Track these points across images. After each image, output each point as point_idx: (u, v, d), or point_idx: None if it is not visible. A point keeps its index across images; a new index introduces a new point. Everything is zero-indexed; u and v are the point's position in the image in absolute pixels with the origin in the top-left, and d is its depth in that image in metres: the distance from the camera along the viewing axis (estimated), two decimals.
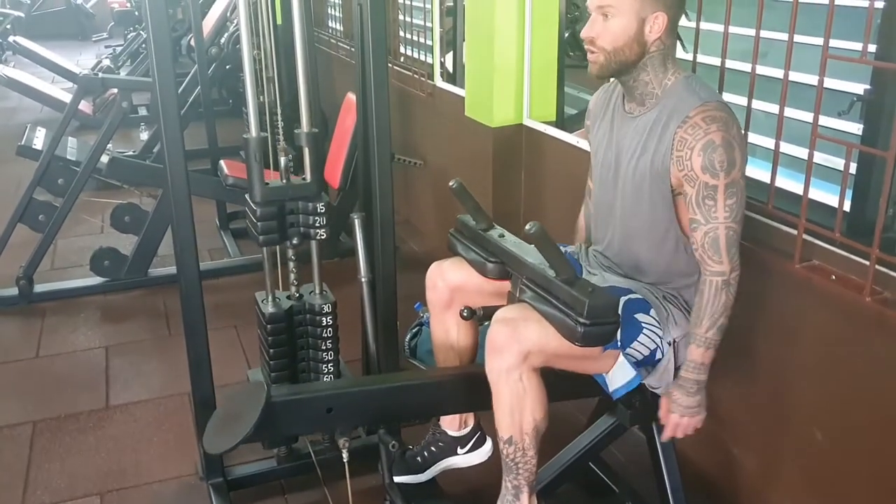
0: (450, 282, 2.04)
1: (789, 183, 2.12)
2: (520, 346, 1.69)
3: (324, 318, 2.16)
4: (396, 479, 2.09)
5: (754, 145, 2.19)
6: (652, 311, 1.81)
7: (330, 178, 3.63)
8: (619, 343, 1.75)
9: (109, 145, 3.96)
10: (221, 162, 3.90)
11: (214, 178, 4.00)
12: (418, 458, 2.13)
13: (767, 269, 2.01)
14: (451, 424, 2.12)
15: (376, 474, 2.21)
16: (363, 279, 2.14)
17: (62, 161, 3.94)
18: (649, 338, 1.80)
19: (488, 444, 2.13)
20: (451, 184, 1.88)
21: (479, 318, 1.87)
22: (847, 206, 1.88)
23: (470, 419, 2.12)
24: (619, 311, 1.72)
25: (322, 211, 2.07)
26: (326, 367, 2.21)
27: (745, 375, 2.16)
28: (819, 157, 1.97)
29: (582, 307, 1.57)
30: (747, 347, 2.12)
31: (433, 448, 2.13)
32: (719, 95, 1.81)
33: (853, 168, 1.90)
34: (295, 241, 2.09)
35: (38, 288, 3.68)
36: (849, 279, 1.81)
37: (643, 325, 1.79)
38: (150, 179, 3.90)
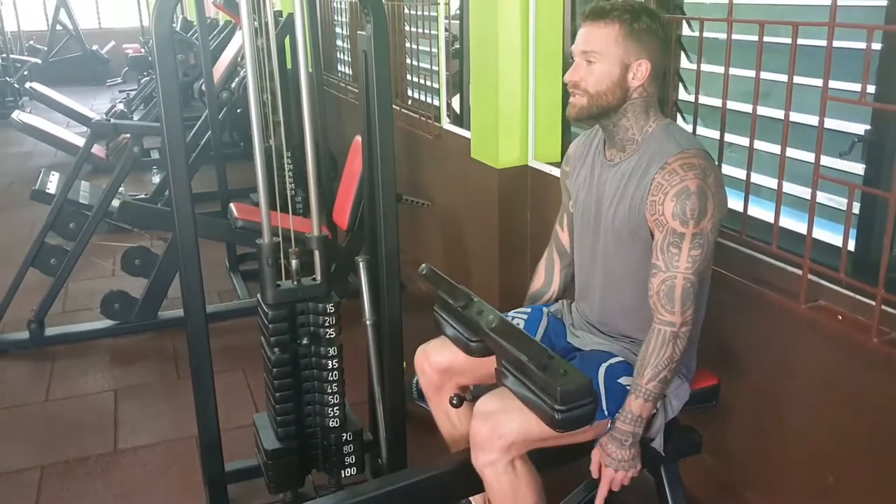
0: (437, 365, 2.03)
1: (794, 223, 2.12)
2: (501, 441, 1.68)
3: (329, 362, 2.16)
4: None
5: (758, 185, 2.19)
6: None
7: (339, 219, 3.65)
8: (605, 413, 1.73)
9: (121, 189, 4.01)
10: (231, 205, 3.94)
11: (224, 221, 4.02)
12: None
13: (774, 309, 2.00)
14: (478, 499, 2.11)
15: None
16: (368, 322, 2.14)
17: (74, 205, 3.99)
18: None
19: None
20: (420, 270, 1.84)
21: (470, 400, 1.86)
22: (852, 246, 1.88)
23: None
24: (602, 379, 1.73)
25: (332, 311, 2.11)
26: (332, 410, 2.21)
27: (755, 418, 2.14)
28: (823, 198, 1.97)
29: (555, 394, 1.54)
30: (755, 389, 2.11)
31: None
32: (699, 143, 1.79)
33: (857, 208, 1.90)
34: (304, 342, 2.13)
35: (49, 331, 3.71)
36: (855, 319, 1.80)
37: (628, 388, 1.75)
38: (160, 223, 3.93)
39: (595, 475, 1.81)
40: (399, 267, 2.23)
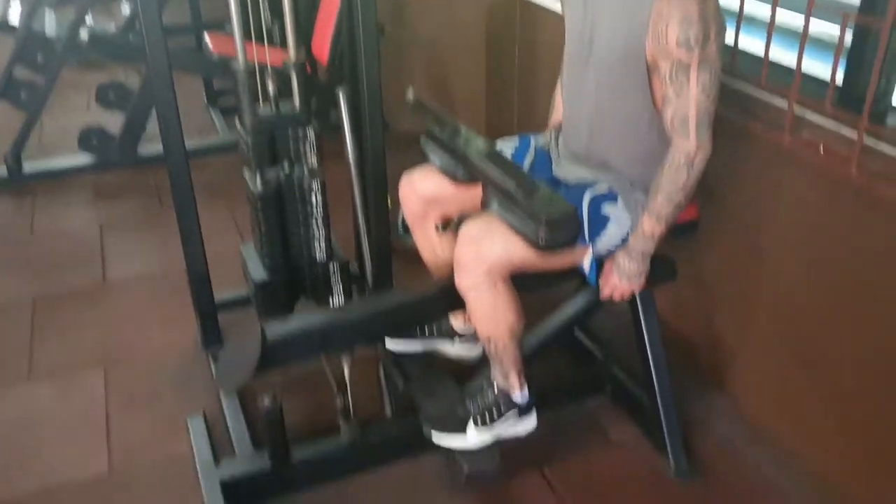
0: (422, 194, 2.04)
1: (785, 55, 2.09)
2: (485, 263, 1.73)
3: (313, 196, 2.17)
4: (389, 345, 2.16)
5: (751, 16, 2.15)
6: (619, 201, 1.82)
7: (318, 52, 3.55)
8: (586, 240, 1.78)
9: (90, 20, 3.85)
10: (206, 36, 3.81)
11: (199, 54, 3.91)
12: (416, 328, 2.20)
13: (757, 141, 2.02)
14: (458, 319, 2.20)
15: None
16: (350, 156, 2.13)
17: (40, 36, 3.83)
18: (617, 227, 1.81)
19: (480, 348, 2.19)
20: (407, 97, 1.82)
21: (454, 227, 1.88)
22: (840, 79, 1.87)
23: None
24: (586, 207, 1.75)
25: (312, 138, 2.09)
26: (318, 244, 2.24)
27: (729, 245, 2.20)
28: (815, 28, 1.93)
29: (540, 218, 1.58)
30: (732, 218, 2.16)
31: (434, 328, 2.20)
32: None
33: (848, 39, 1.87)
34: (286, 168, 2.12)
35: (27, 167, 3.68)
36: (837, 152, 1.82)
37: (610, 216, 1.80)
38: (132, 55, 3.80)
39: (602, 284, 1.90)
40: (381, 101, 2.20)
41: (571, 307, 2.21)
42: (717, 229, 2.18)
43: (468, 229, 1.78)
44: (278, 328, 1.82)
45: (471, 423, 1.90)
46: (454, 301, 1.87)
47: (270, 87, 2.04)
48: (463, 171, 1.85)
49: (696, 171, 1.72)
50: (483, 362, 2.02)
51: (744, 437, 2.17)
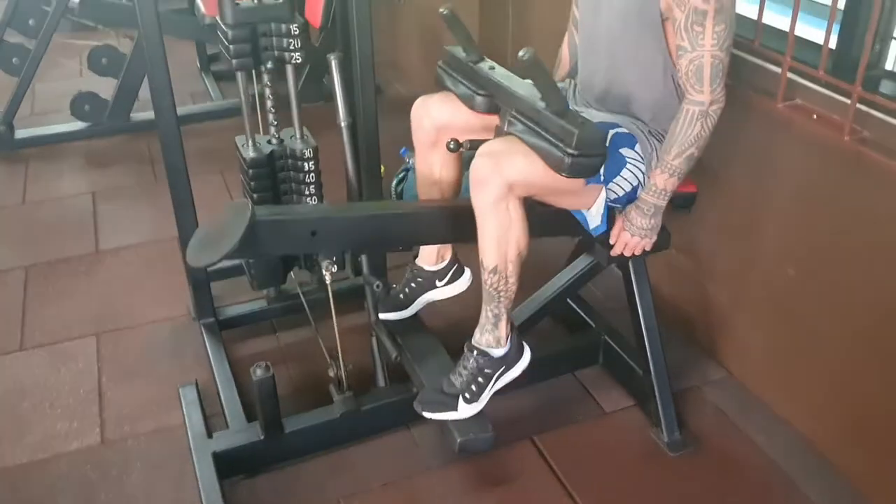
0: (436, 119, 2.00)
1: (779, 19, 2.06)
2: (503, 178, 1.68)
3: (305, 164, 2.15)
4: (381, 315, 2.16)
5: None
6: (637, 146, 1.81)
7: (310, 16, 3.50)
8: (601, 177, 1.76)
9: None
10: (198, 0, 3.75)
11: (191, 18, 3.86)
12: (401, 296, 2.19)
13: (749, 107, 1.99)
14: (428, 260, 2.16)
15: (363, 313, 2.28)
16: (342, 123, 2.10)
17: (31, 1, 3.78)
18: (632, 173, 1.81)
19: (467, 273, 2.17)
20: (441, 10, 1.81)
21: (465, 150, 1.86)
22: (833, 44, 1.84)
23: (447, 253, 2.15)
24: (607, 143, 1.72)
25: (296, 33, 1.99)
26: None
27: (722, 214, 2.19)
28: None
29: (571, 138, 1.58)
30: (725, 186, 2.14)
31: (413, 284, 2.18)
32: None
33: (842, 3, 1.84)
34: (269, 66, 2.03)
35: (20, 134, 3.65)
36: (830, 118, 1.80)
37: (627, 159, 1.80)
38: (124, 20, 3.74)
39: (613, 241, 1.90)
40: (374, 66, 2.17)
41: (568, 274, 2.19)
42: (710, 197, 2.16)
43: (489, 145, 1.75)
44: (268, 210, 1.78)
45: (460, 399, 1.89)
46: (449, 224, 1.87)
47: None
48: (482, 98, 1.84)
49: (710, 123, 1.71)
50: (475, 304, 1.98)
51: (737, 407, 2.17)
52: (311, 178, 2.18)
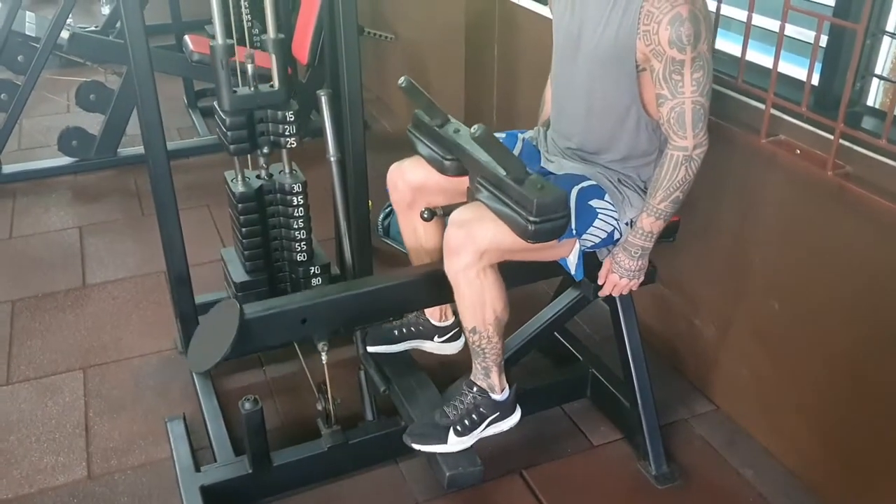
0: (410, 182, 2.04)
1: (761, 57, 2.10)
2: (475, 247, 1.73)
3: (294, 198, 2.17)
4: (370, 348, 2.16)
5: (728, 18, 2.16)
6: (607, 196, 1.83)
7: (298, 53, 3.54)
8: (573, 231, 1.78)
9: (70, 20, 3.82)
10: (186, 37, 3.79)
11: (180, 55, 3.89)
12: (395, 332, 2.20)
13: (734, 143, 2.03)
14: (434, 314, 2.19)
15: (351, 346, 2.28)
16: (332, 158, 2.12)
17: (20, 37, 3.80)
18: (605, 222, 1.83)
19: (461, 341, 2.19)
20: (399, 82, 1.83)
21: (441, 216, 1.89)
22: (816, 81, 1.88)
23: (450, 313, 2.18)
24: (573, 200, 1.76)
25: (291, 119, 2.06)
26: (299, 245, 2.24)
27: (708, 248, 2.22)
28: (791, 31, 1.95)
29: (531, 206, 1.59)
30: (711, 222, 2.17)
31: (412, 329, 2.20)
32: None
33: (824, 41, 1.89)
34: (266, 151, 2.10)
35: (6, 169, 3.65)
36: (813, 153, 1.84)
37: (598, 210, 1.81)
38: (113, 56, 3.77)
39: (601, 281, 1.93)
40: (362, 102, 2.20)
41: (555, 307, 2.21)
42: (695, 232, 2.19)
43: (459, 213, 1.78)
44: (256, 307, 1.80)
45: (451, 431, 1.90)
46: (436, 288, 1.88)
47: (249, 69, 2.01)
48: (450, 161, 1.85)
49: (693, 166, 1.74)
50: (464, 358, 2.01)
51: (724, 440, 2.18)
52: (299, 212, 2.20)
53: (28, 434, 2.20)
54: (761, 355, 2.11)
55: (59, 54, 3.88)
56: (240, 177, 2.16)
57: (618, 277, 1.89)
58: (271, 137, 2.09)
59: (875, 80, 1.88)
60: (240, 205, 2.15)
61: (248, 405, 1.85)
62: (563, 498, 1.99)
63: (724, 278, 2.19)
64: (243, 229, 2.19)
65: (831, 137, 1.76)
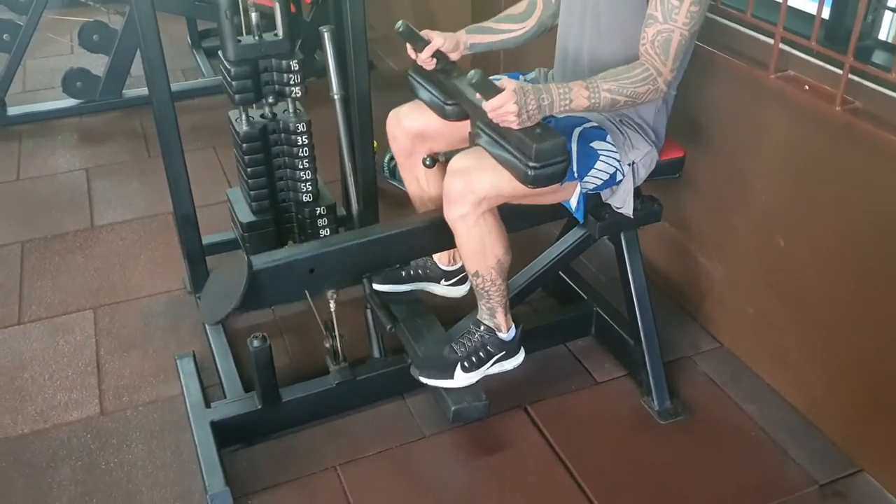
0: (409, 130, 2.02)
1: None
2: (474, 195, 1.72)
3: (299, 138, 2.16)
4: (376, 286, 2.18)
5: None
6: (608, 138, 1.81)
7: None
8: (575, 174, 1.77)
9: None
10: None
11: None
12: (402, 273, 2.21)
13: (742, 79, 2.00)
14: (442, 259, 2.21)
15: (358, 286, 2.29)
16: (335, 96, 2.11)
17: None
18: (607, 163, 1.80)
19: (468, 285, 2.20)
20: (396, 27, 1.81)
21: (441, 161, 1.87)
22: (826, 14, 1.85)
23: (458, 257, 2.18)
24: (575, 142, 1.74)
25: (296, 69, 2.06)
26: (305, 186, 2.24)
27: (713, 185, 2.21)
28: None
29: (530, 151, 1.57)
30: (717, 158, 2.16)
31: (420, 271, 2.21)
32: None
33: None
34: (270, 100, 2.10)
35: (12, 110, 3.63)
36: (822, 89, 1.81)
37: (599, 152, 1.79)
38: None
39: (498, 102, 1.58)
40: (366, 40, 2.18)
41: (559, 247, 2.21)
42: (701, 169, 2.18)
43: (457, 161, 1.78)
44: (265, 258, 1.82)
45: (458, 367, 1.92)
46: (441, 235, 1.88)
47: (254, 18, 2.00)
48: (451, 106, 1.84)
49: (654, 93, 1.68)
50: (470, 301, 2.03)
51: (728, 376, 2.20)
52: (304, 151, 2.19)
53: (41, 372, 2.24)
54: (767, 293, 2.11)
55: None
56: (244, 117, 2.15)
57: (512, 104, 1.56)
58: (276, 87, 2.09)
59: (888, 13, 1.84)
60: (244, 144, 2.15)
61: (256, 342, 1.87)
62: (566, 432, 2.03)
63: (730, 216, 2.18)
64: (248, 169, 2.19)
65: (841, 72, 1.74)
